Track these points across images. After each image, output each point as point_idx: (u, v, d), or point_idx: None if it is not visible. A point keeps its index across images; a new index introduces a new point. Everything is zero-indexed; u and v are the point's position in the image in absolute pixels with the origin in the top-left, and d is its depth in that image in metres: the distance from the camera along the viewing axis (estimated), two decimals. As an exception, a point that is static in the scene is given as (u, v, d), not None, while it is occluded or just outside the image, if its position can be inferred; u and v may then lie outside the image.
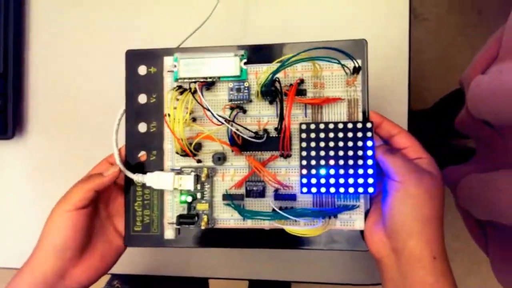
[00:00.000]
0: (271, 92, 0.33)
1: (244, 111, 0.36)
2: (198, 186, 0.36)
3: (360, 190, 0.33)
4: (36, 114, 0.54)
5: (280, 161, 0.35)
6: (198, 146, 0.36)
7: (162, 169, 0.37)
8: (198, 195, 0.36)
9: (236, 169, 0.36)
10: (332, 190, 0.33)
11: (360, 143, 0.32)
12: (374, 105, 0.37)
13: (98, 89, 0.52)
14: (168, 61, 0.37)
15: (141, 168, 0.37)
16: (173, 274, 0.49)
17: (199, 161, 0.36)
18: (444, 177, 0.32)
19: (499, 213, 0.40)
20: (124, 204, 0.38)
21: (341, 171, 0.32)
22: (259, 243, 0.36)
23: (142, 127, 0.38)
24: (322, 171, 0.33)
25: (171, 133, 0.33)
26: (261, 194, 0.35)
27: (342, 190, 0.33)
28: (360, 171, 0.32)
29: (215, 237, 0.37)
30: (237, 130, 0.33)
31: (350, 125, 0.33)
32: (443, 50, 1.12)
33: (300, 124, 0.33)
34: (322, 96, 0.34)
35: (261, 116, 0.36)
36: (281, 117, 0.32)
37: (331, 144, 0.33)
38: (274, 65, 0.31)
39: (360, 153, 0.32)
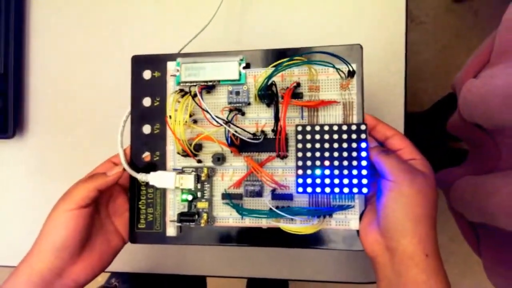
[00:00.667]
0: (268, 95, 0.33)
1: (243, 114, 0.36)
2: (199, 186, 0.37)
3: (355, 190, 0.33)
4: (36, 114, 0.54)
5: (277, 162, 0.36)
6: (199, 147, 0.37)
7: (164, 169, 0.38)
8: (199, 194, 0.37)
9: (235, 170, 0.36)
10: (327, 190, 0.33)
11: (354, 145, 0.33)
12: (370, 107, 0.37)
13: (98, 89, 0.53)
14: (171, 65, 0.38)
15: (145, 168, 0.38)
16: (171, 272, 0.49)
17: (199, 161, 0.37)
18: (437, 179, 0.32)
19: (491, 216, 0.40)
20: (129, 203, 0.39)
21: (336, 172, 0.33)
22: (258, 241, 0.37)
23: (147, 129, 0.39)
24: (318, 172, 0.33)
25: (172, 134, 0.34)
26: (259, 193, 0.35)
27: (337, 190, 0.33)
28: (355, 172, 0.33)
29: (215, 235, 0.37)
30: (235, 131, 0.33)
31: (344, 127, 0.33)
32: (439, 52, 1.11)
33: (296, 126, 0.33)
34: (317, 99, 0.34)
35: (259, 118, 0.36)
36: (277, 119, 0.32)
37: (326, 145, 0.33)
38: (270, 69, 0.31)
39: (354, 154, 0.33)
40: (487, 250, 0.47)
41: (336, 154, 0.33)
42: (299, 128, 0.34)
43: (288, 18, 0.49)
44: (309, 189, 0.33)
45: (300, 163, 0.33)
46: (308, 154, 0.33)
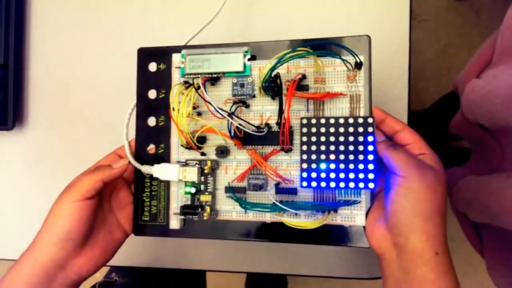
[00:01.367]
0: (272, 87, 0.32)
1: (247, 106, 0.35)
2: (202, 178, 0.36)
3: (361, 185, 0.31)
4: (36, 105, 0.53)
5: (282, 155, 0.34)
6: (203, 140, 0.36)
7: (169, 162, 0.37)
8: (202, 187, 0.36)
9: (238, 163, 0.35)
10: (332, 184, 0.31)
11: (361, 138, 0.31)
12: (373, 102, 0.35)
13: (99, 82, 0.52)
14: (176, 57, 0.37)
15: (150, 160, 0.37)
16: (170, 267, 0.48)
17: (203, 154, 0.36)
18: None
19: (494, 216, 0.38)
20: (133, 195, 0.38)
21: (342, 166, 0.31)
22: (261, 236, 0.35)
23: (152, 121, 0.38)
24: (323, 166, 0.32)
25: (175, 125, 0.32)
26: (262, 187, 0.34)
27: (342, 184, 0.31)
28: (361, 166, 0.31)
29: (219, 229, 0.36)
30: (240, 124, 0.32)
31: (351, 120, 0.31)
32: (441, 51, 1.09)
33: (301, 118, 0.32)
34: (323, 91, 0.33)
35: (264, 111, 0.35)
36: (281, 111, 0.31)
37: (332, 139, 0.32)
38: (274, 61, 0.29)
39: (361, 148, 0.31)
40: (490, 251, 0.45)
41: (342, 147, 0.31)
42: (304, 121, 0.32)
43: (293, 13, 0.48)
44: (313, 184, 0.32)
45: (304, 156, 0.32)
46: (313, 148, 0.32)
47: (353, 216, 0.33)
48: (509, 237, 0.40)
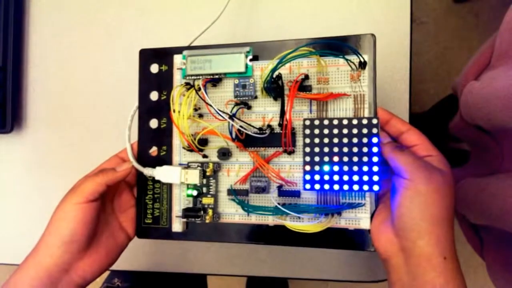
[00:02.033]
0: (273, 88, 0.31)
1: (249, 107, 0.34)
2: (204, 181, 0.35)
3: (365, 187, 0.30)
4: (35, 108, 0.52)
5: (284, 157, 0.33)
6: (204, 142, 0.35)
7: (171, 164, 0.36)
8: (204, 190, 0.35)
9: (241, 165, 0.34)
10: (336, 187, 0.30)
11: (365, 140, 0.30)
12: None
13: (98, 84, 0.51)
14: (177, 59, 0.36)
15: (152, 163, 0.37)
16: (171, 271, 0.48)
17: (205, 156, 0.35)
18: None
19: (494, 217, 0.38)
20: (136, 197, 0.38)
21: (345, 168, 0.30)
22: (264, 239, 0.34)
23: (154, 123, 0.37)
24: (326, 168, 0.30)
25: (176, 127, 0.31)
26: (265, 189, 0.33)
27: (346, 187, 0.30)
28: (365, 168, 0.30)
29: (221, 232, 0.35)
30: (241, 126, 0.31)
31: (355, 121, 0.30)
32: (440, 53, 1.09)
33: (304, 120, 0.31)
34: (326, 91, 0.32)
35: (266, 112, 0.34)
36: (282, 112, 0.30)
37: (336, 140, 0.30)
38: (275, 61, 0.28)
39: (365, 150, 0.30)
40: (490, 252, 0.45)
41: (345, 149, 0.30)
42: (307, 122, 0.31)
43: (294, 16, 0.47)
44: (316, 186, 0.31)
45: (307, 158, 0.31)
46: (316, 150, 0.31)
47: (357, 219, 0.32)
48: (509, 239, 0.40)
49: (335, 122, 0.31)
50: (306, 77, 0.32)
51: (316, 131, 0.31)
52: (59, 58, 0.51)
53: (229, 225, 0.35)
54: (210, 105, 0.30)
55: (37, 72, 0.52)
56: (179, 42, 0.39)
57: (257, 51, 0.34)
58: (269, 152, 0.34)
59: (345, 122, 0.30)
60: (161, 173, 0.35)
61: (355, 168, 0.30)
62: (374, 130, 0.30)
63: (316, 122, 0.31)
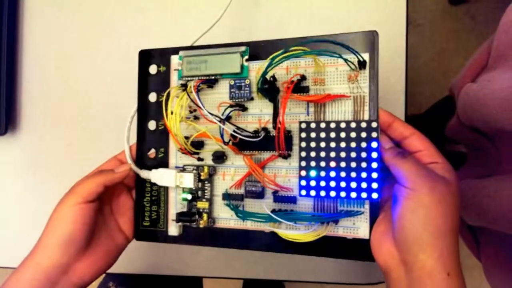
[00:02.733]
0: (267, 90, 0.29)
1: (245, 109, 0.32)
2: (199, 184, 0.34)
3: (363, 195, 0.28)
4: (29, 110, 0.51)
5: (280, 162, 0.32)
6: (200, 145, 0.34)
7: (167, 167, 0.35)
8: (199, 193, 0.34)
9: (236, 169, 0.33)
10: (333, 194, 0.28)
11: (364, 144, 0.28)
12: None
13: (93, 85, 0.50)
14: (174, 59, 0.35)
15: (150, 165, 0.36)
16: (167, 273, 0.47)
17: (200, 159, 0.33)
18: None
19: (491, 219, 0.37)
20: (135, 199, 0.37)
21: (343, 174, 0.28)
22: (260, 246, 0.33)
23: (152, 125, 0.37)
24: (322, 173, 0.28)
25: (168, 130, 0.30)
26: (260, 195, 0.31)
27: (343, 194, 0.28)
28: (364, 175, 0.28)
29: (217, 237, 0.34)
30: (234, 130, 0.29)
31: (353, 125, 0.28)
32: (437, 55, 1.07)
33: (300, 122, 0.29)
34: (323, 93, 0.29)
35: (262, 114, 0.32)
36: (275, 115, 0.28)
37: (333, 144, 0.29)
38: (266, 63, 0.27)
39: (364, 155, 0.28)
40: (487, 254, 0.43)
41: (343, 154, 0.28)
42: (303, 125, 0.29)
43: (293, 17, 0.45)
44: (312, 192, 0.29)
45: (303, 163, 0.29)
46: (313, 154, 0.29)
47: (356, 228, 0.30)
48: (506, 240, 0.39)
49: (333, 125, 0.29)
50: (303, 77, 0.31)
51: (313, 135, 0.29)
52: (54, 59, 0.51)
53: (225, 230, 0.34)
54: (201, 108, 0.28)
55: (31, 72, 0.51)
56: (179, 42, 0.38)
57: (255, 51, 0.33)
58: (264, 156, 0.32)
59: (343, 125, 0.28)
60: (156, 176, 0.34)
61: (353, 174, 0.28)
62: (374, 134, 0.28)
63: (313, 125, 0.29)
